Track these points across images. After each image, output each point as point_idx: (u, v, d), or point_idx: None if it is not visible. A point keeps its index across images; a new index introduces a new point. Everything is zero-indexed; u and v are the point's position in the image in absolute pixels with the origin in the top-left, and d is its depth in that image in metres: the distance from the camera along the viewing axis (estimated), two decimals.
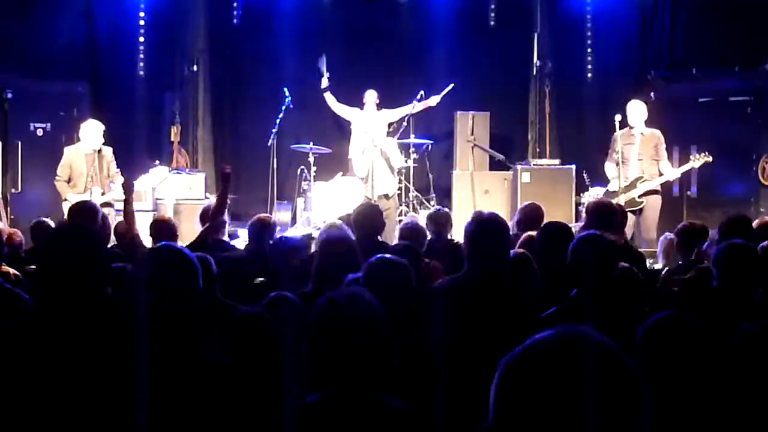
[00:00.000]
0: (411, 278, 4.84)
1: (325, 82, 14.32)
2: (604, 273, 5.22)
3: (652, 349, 3.41)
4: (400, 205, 14.37)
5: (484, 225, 5.17)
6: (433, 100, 14.18)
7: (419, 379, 4.13)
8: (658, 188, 11.89)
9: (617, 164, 11.89)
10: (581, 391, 1.73)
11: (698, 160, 12.00)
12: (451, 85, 14.21)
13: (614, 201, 10.81)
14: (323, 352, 3.23)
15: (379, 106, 14.28)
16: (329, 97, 14.35)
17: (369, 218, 7.89)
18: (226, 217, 8.73)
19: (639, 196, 11.68)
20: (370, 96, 14.23)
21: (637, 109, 12.03)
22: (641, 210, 11.67)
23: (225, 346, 4.24)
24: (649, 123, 12.12)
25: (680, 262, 7.72)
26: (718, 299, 5.37)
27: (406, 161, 14.41)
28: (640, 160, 11.80)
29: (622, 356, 1.80)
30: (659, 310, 4.04)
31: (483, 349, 4.67)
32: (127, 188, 8.44)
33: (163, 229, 8.24)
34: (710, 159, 11.96)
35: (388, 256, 5.00)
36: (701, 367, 3.40)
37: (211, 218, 7.86)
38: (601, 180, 12.94)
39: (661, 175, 11.87)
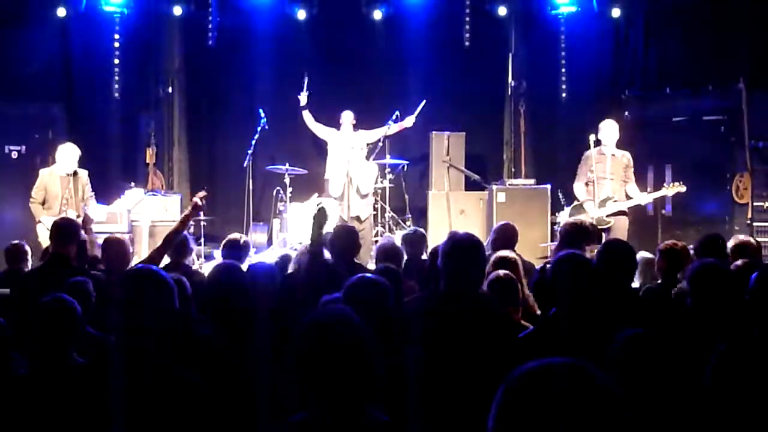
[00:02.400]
0: (390, 297, 4.85)
1: (304, 100, 14.23)
2: (583, 292, 5.24)
3: (621, 368, 3.42)
4: (376, 225, 14.36)
5: (459, 245, 5.18)
6: (409, 121, 14.14)
7: (397, 397, 4.14)
8: (626, 210, 11.92)
9: (587, 184, 11.94)
10: (576, 420, 1.77)
11: (672, 188, 12.03)
12: (423, 102, 14.17)
13: (586, 219, 10.86)
14: (310, 369, 3.23)
15: (356, 127, 14.27)
16: (307, 116, 14.26)
17: (345, 240, 7.89)
18: (193, 245, 8.74)
19: (607, 216, 11.68)
20: (347, 116, 14.19)
21: (610, 129, 12.05)
22: (609, 230, 11.67)
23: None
24: (623, 142, 12.16)
25: (659, 281, 7.74)
26: (691, 317, 5.40)
27: (377, 183, 14.38)
28: (612, 180, 11.82)
29: (613, 389, 1.84)
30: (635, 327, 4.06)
31: (458, 367, 4.69)
32: (86, 221, 8.42)
33: (114, 247, 8.13)
34: (683, 189, 11.99)
35: (368, 275, 5.01)
36: (672, 383, 3.41)
37: (167, 240, 7.78)
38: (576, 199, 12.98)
39: (628, 197, 11.90)
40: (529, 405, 1.83)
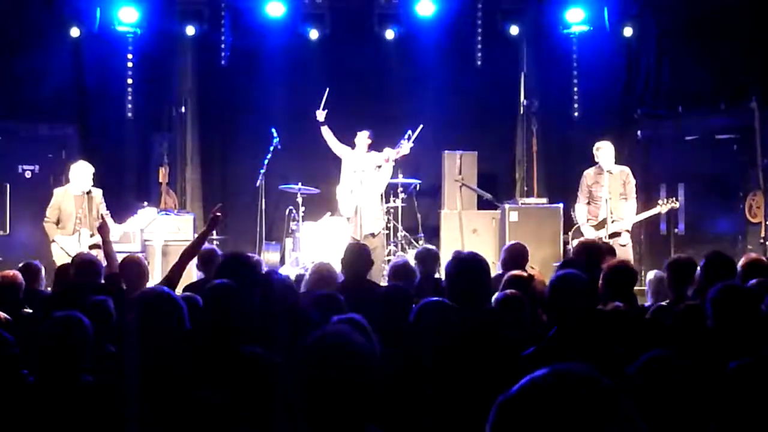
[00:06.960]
0: (458, 324, 4.86)
1: (321, 117, 13.89)
2: (583, 312, 5.22)
3: (641, 390, 3.41)
4: (389, 244, 14.32)
5: (462, 264, 5.20)
6: (406, 148, 13.56)
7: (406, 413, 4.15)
8: (627, 231, 11.88)
9: (589, 203, 11.96)
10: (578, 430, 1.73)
11: (665, 205, 12.04)
12: (420, 127, 13.53)
13: (599, 237, 10.86)
14: (309, 391, 3.20)
15: (370, 147, 14.10)
16: (326, 131, 13.73)
17: (357, 258, 7.90)
18: None
19: (606, 237, 11.58)
20: (362, 137, 13.79)
21: (607, 152, 12.04)
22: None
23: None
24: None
25: (668, 300, 7.69)
26: (712, 339, 5.35)
27: (395, 198, 14.34)
28: (610, 199, 11.80)
29: (618, 394, 1.81)
30: (649, 348, 4.04)
31: (460, 385, 4.68)
32: (103, 231, 8.43)
33: (132, 268, 8.11)
34: (677, 205, 12.02)
35: (436, 298, 5.02)
36: (691, 407, 3.39)
37: (184, 256, 7.76)
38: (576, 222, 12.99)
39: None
40: (521, 419, 1.81)
